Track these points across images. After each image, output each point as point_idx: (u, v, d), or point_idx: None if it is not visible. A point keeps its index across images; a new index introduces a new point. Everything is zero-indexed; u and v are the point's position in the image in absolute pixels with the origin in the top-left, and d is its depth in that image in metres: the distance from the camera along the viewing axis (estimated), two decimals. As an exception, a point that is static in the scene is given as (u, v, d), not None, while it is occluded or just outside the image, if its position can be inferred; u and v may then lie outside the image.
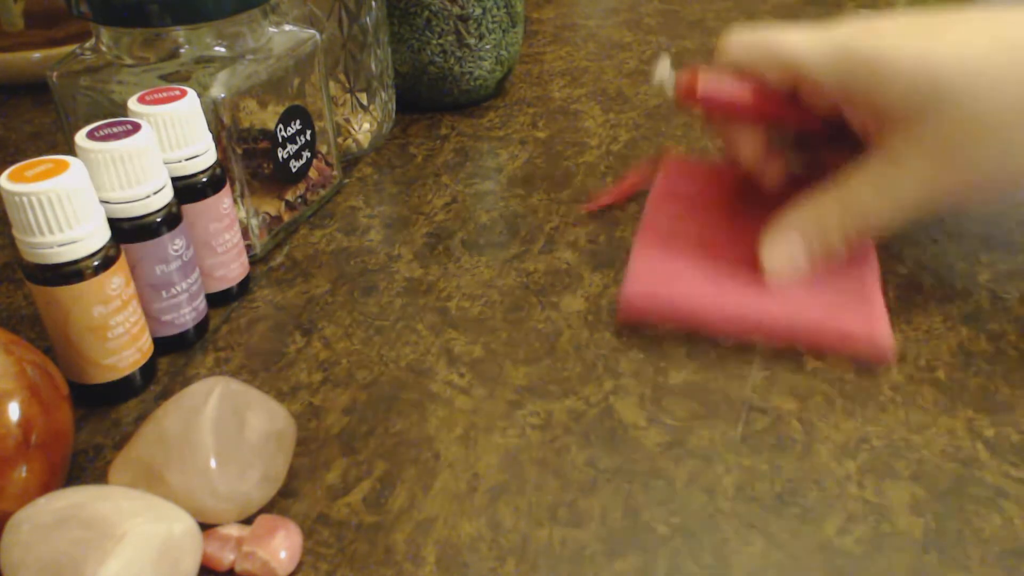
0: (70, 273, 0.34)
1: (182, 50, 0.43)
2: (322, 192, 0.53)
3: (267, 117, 0.47)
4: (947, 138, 0.37)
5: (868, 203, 0.39)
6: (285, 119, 0.47)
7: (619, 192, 0.52)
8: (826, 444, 0.35)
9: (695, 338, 0.41)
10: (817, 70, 0.40)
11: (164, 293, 0.39)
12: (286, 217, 0.50)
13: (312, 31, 0.49)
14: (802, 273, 0.41)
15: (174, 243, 0.39)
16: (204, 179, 0.41)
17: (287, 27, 0.48)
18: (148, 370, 0.39)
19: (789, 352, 0.39)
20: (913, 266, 0.45)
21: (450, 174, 0.56)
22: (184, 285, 0.40)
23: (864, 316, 0.39)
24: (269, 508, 0.33)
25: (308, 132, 0.49)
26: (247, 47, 0.45)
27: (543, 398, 0.38)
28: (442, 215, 0.52)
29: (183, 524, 0.29)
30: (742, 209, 0.46)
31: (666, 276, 0.42)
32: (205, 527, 0.31)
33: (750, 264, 0.42)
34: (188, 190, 0.40)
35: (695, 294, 0.41)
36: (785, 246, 0.41)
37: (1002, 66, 0.35)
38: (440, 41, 0.60)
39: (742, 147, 0.45)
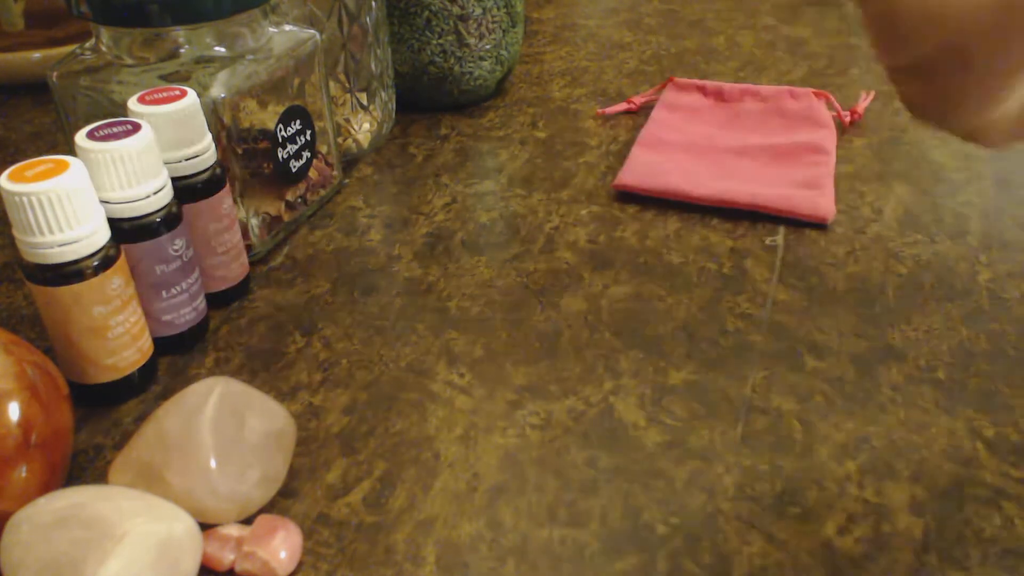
0: (70, 273, 0.34)
1: (182, 50, 0.43)
2: (322, 192, 0.53)
3: (267, 117, 0.46)
4: None
5: None
6: (285, 119, 0.47)
7: (630, 103, 0.63)
8: (826, 444, 0.35)
9: (695, 338, 0.41)
10: None
11: (164, 293, 0.39)
12: (286, 217, 0.50)
13: (312, 31, 0.49)
14: None
15: (174, 243, 0.39)
16: (204, 179, 0.41)
17: (287, 27, 0.48)
18: (148, 370, 0.39)
19: (789, 352, 0.40)
20: (913, 266, 0.45)
21: (450, 174, 0.56)
22: (184, 285, 0.40)
23: (811, 197, 0.49)
24: (269, 508, 0.33)
25: (308, 132, 0.49)
26: (247, 47, 0.45)
27: (543, 398, 0.38)
28: (442, 215, 0.52)
29: (183, 524, 0.29)
30: (724, 121, 0.60)
31: (653, 166, 0.53)
32: (205, 527, 0.31)
33: (724, 159, 0.54)
34: (188, 190, 0.40)
35: (673, 178, 0.52)
36: None
37: None
38: (440, 41, 0.60)
39: None
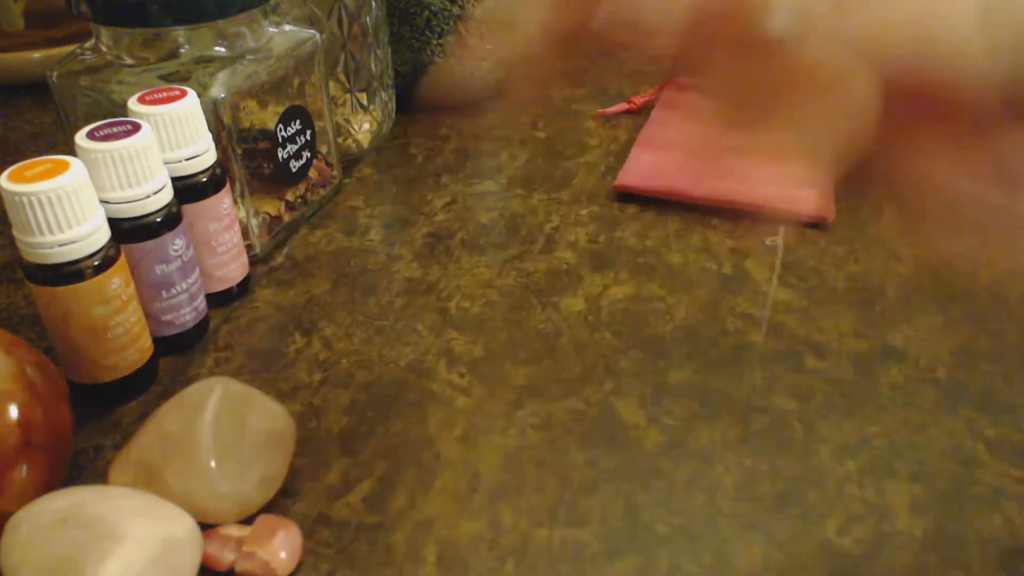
0: (70, 273, 0.34)
1: (182, 50, 0.43)
2: (322, 192, 0.53)
3: (267, 117, 0.46)
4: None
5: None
6: (285, 119, 0.47)
7: (630, 103, 0.63)
8: (826, 444, 0.35)
9: (695, 338, 0.41)
10: None
11: (164, 293, 0.39)
12: (286, 217, 0.50)
13: (312, 31, 0.49)
14: None
15: (174, 243, 0.39)
16: (204, 179, 0.41)
17: (287, 27, 0.48)
18: (148, 370, 0.39)
19: (789, 352, 0.40)
20: (913, 266, 0.45)
21: (450, 174, 0.56)
22: (184, 285, 0.40)
23: (812, 198, 0.49)
24: (269, 508, 0.33)
25: (308, 132, 0.49)
26: (247, 47, 0.45)
27: (543, 398, 0.38)
28: (442, 215, 0.52)
29: (183, 524, 0.29)
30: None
31: (653, 166, 0.53)
32: (205, 527, 0.31)
33: (724, 159, 0.51)
34: (188, 190, 0.40)
35: (673, 178, 0.52)
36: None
37: None
38: (440, 41, 0.60)
39: None
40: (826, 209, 0.48)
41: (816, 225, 0.49)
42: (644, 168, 0.53)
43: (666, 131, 0.58)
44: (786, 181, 0.53)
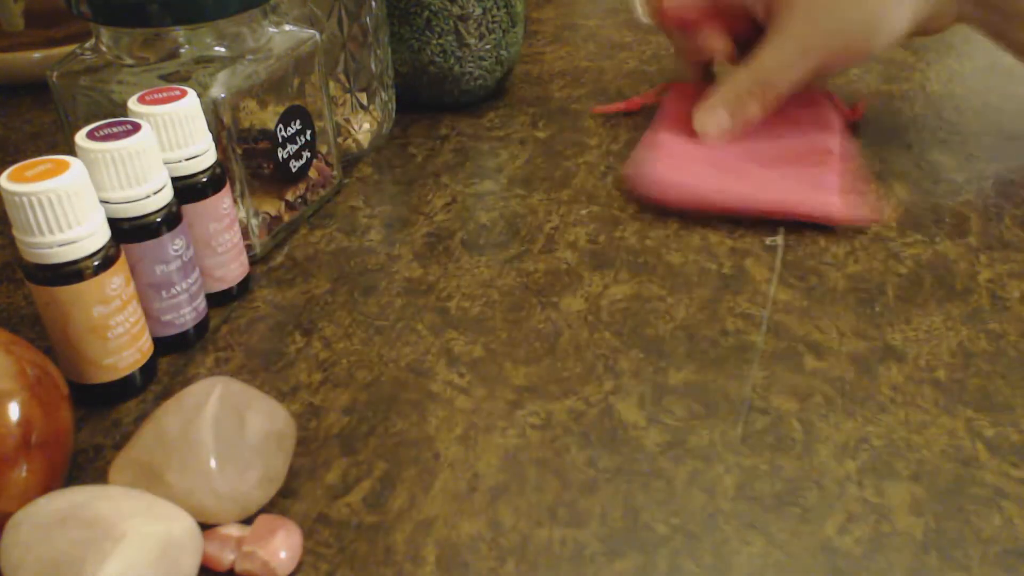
0: (70, 273, 0.34)
1: (182, 50, 0.43)
2: (322, 192, 0.53)
3: (267, 117, 0.47)
4: (811, 6, 0.51)
5: (768, 68, 0.53)
6: (285, 119, 0.47)
7: (630, 103, 0.62)
8: (826, 444, 0.35)
9: (695, 338, 0.41)
10: None
11: (164, 293, 0.39)
12: (286, 217, 0.50)
13: (312, 31, 0.49)
14: (728, 133, 0.54)
15: (174, 243, 0.39)
16: (204, 179, 0.41)
17: (287, 27, 0.48)
18: (148, 370, 0.39)
19: (789, 352, 0.40)
20: (913, 266, 0.45)
21: (450, 174, 0.56)
22: (184, 285, 0.40)
23: (826, 201, 0.48)
24: (269, 508, 0.33)
25: (308, 132, 0.49)
26: (247, 47, 0.45)
27: (543, 398, 0.38)
28: (442, 215, 0.52)
29: (183, 524, 0.29)
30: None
31: (684, 177, 0.51)
32: (205, 527, 0.31)
33: (741, 164, 0.53)
34: (188, 190, 0.40)
35: (703, 187, 0.50)
36: (712, 115, 0.54)
37: None
38: (440, 41, 0.60)
39: (714, 45, 0.57)
40: (859, 210, 0.48)
41: (816, 225, 0.48)
42: (672, 181, 0.51)
43: (683, 142, 0.55)
44: (815, 185, 0.53)
